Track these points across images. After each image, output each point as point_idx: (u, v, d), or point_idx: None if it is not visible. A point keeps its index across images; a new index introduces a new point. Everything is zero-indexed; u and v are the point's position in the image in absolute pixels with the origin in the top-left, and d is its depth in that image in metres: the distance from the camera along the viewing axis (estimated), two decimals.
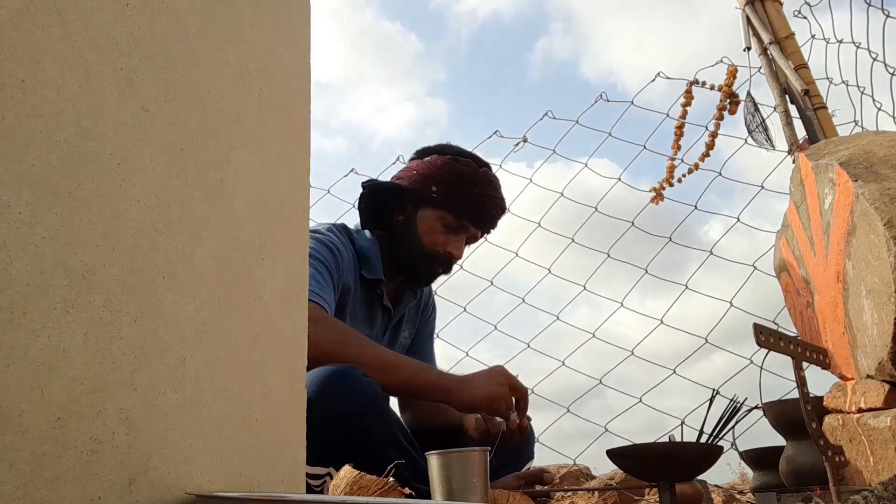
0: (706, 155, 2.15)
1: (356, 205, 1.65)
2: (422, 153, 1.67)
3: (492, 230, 1.70)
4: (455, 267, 1.70)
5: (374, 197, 1.62)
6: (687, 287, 2.10)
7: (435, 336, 1.90)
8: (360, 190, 1.64)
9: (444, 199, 1.58)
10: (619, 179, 2.35)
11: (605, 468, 1.69)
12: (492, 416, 1.49)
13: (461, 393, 1.39)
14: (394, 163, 2.52)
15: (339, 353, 1.29)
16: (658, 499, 1.05)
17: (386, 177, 2.53)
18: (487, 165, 1.67)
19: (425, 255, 1.59)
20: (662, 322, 2.10)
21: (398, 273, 1.64)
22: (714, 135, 2.13)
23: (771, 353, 1.00)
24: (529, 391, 1.50)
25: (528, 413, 1.51)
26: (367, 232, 1.63)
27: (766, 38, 1.97)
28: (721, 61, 2.15)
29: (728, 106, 2.09)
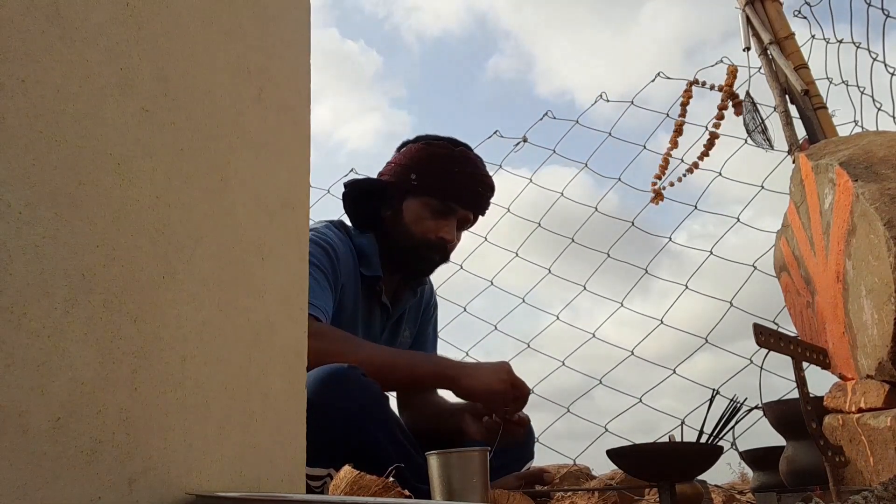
0: (705, 154, 2.15)
1: (342, 206, 1.65)
2: (401, 146, 1.67)
3: (484, 211, 1.67)
4: (455, 267, 1.69)
5: (357, 196, 1.61)
6: (687, 287, 2.10)
7: (438, 333, 1.88)
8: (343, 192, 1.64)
9: (424, 185, 1.56)
10: (619, 179, 2.35)
11: (604, 468, 1.69)
12: (487, 410, 1.46)
13: (460, 380, 1.39)
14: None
15: (332, 361, 1.28)
16: (658, 499, 1.05)
17: None
18: (465, 145, 1.64)
19: (418, 244, 1.57)
20: (662, 322, 2.10)
21: (396, 270, 1.62)
22: (715, 135, 2.13)
23: (771, 352, 1.00)
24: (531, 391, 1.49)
25: (527, 412, 1.50)
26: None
27: (766, 38, 1.97)
28: (721, 61, 2.15)
29: (731, 106, 2.09)
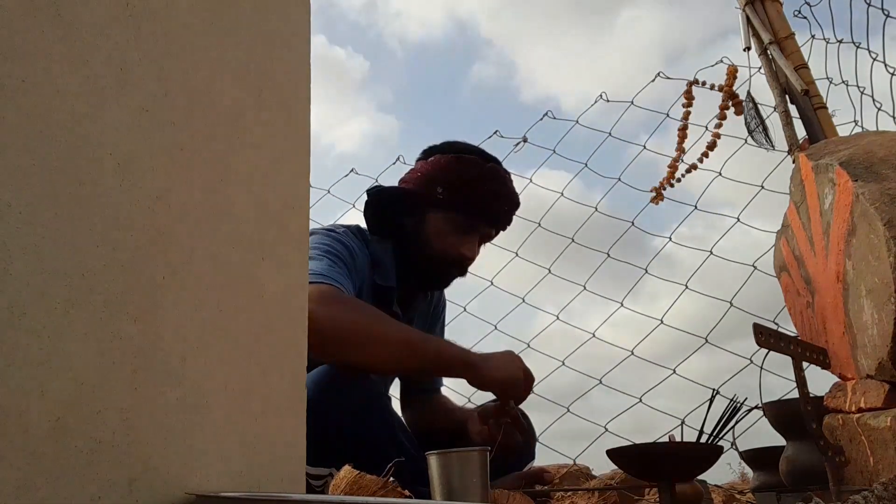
0: (705, 155, 2.15)
1: (363, 212, 1.60)
2: (427, 153, 1.62)
3: (506, 227, 1.65)
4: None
5: (380, 203, 1.57)
6: (687, 287, 2.10)
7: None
8: (365, 197, 1.59)
9: (450, 201, 1.52)
10: (619, 179, 2.35)
11: (604, 468, 1.69)
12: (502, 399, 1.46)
13: (482, 370, 1.38)
14: (393, 163, 2.53)
15: (364, 333, 1.27)
16: (658, 499, 1.05)
17: (385, 178, 2.50)
18: (495, 160, 1.60)
19: (438, 259, 1.54)
20: (662, 322, 2.10)
21: (410, 278, 1.58)
22: (717, 135, 2.13)
23: (771, 352, 1.00)
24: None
25: (527, 413, 1.50)
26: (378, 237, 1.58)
27: (766, 38, 1.97)
28: (721, 61, 2.15)
29: (731, 106, 2.09)
